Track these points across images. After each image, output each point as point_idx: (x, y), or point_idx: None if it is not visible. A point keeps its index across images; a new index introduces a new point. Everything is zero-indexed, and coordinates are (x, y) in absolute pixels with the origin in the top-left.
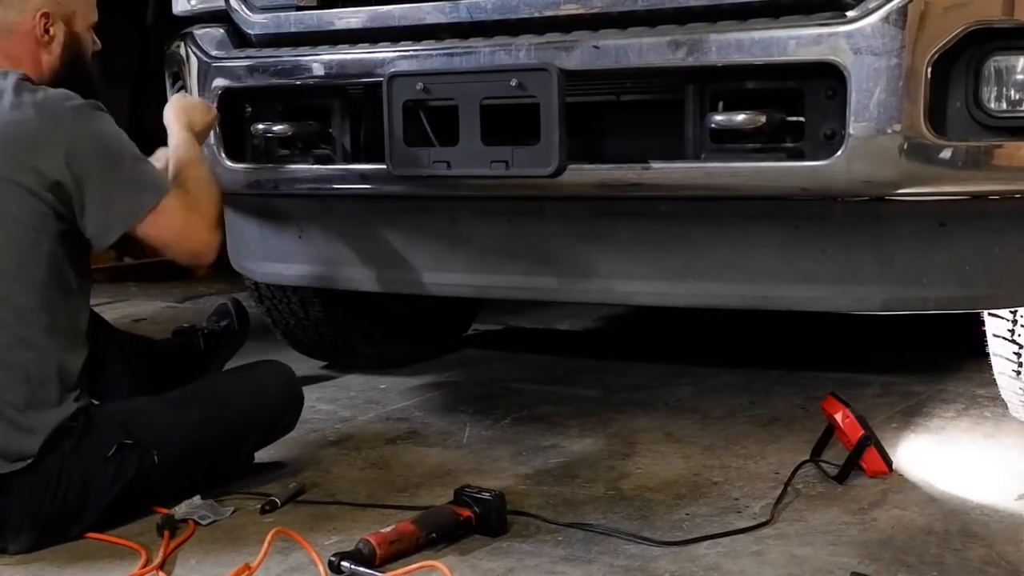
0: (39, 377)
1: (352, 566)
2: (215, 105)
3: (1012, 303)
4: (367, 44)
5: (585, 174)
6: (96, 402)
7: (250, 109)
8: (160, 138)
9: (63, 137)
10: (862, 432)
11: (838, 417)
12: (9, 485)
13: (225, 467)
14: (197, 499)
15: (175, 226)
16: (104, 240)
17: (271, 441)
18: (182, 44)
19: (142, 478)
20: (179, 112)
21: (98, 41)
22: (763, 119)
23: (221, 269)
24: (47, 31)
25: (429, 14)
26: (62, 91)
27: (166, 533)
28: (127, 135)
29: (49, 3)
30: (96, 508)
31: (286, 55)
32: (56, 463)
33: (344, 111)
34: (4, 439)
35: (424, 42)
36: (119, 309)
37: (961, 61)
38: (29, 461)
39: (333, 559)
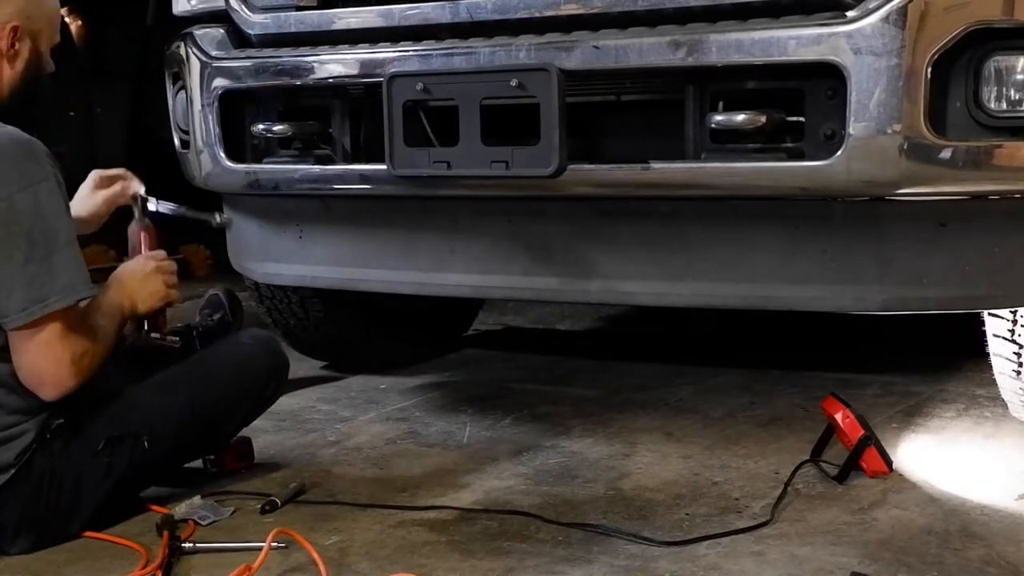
0: (9, 395)
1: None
2: (216, 106)
3: (1012, 303)
4: (367, 44)
5: (585, 174)
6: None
7: (250, 109)
8: (159, 139)
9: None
10: (862, 432)
11: (838, 417)
12: (1, 495)
13: (215, 444)
14: (197, 499)
15: (41, 346)
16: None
17: (260, 412)
18: (182, 44)
19: (135, 467)
20: (132, 287)
21: (52, 64)
22: (763, 119)
23: (221, 269)
24: (13, 45)
25: (429, 14)
26: (21, 137)
27: (166, 533)
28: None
29: (19, 17)
30: (92, 503)
31: (286, 55)
32: (47, 465)
33: (344, 111)
34: None
35: (424, 42)
36: None
37: (961, 61)
38: (13, 471)
39: None
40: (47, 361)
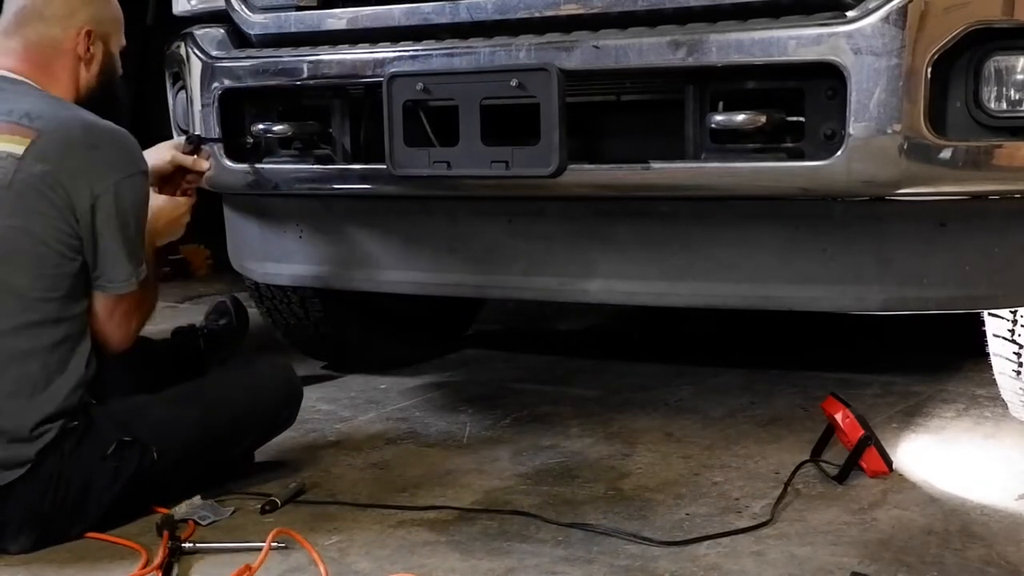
0: (43, 389)
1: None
2: (216, 106)
3: (1012, 303)
4: (367, 44)
5: (585, 174)
6: (95, 402)
7: (250, 109)
8: (160, 139)
9: (112, 183)
10: (862, 432)
11: (838, 417)
12: (9, 490)
13: (224, 464)
14: (197, 499)
15: (119, 315)
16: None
17: (271, 437)
18: (182, 44)
19: (143, 475)
20: (161, 230)
21: (121, 67)
22: (763, 119)
23: (221, 269)
24: (88, 49)
25: (429, 14)
26: (120, 130)
27: (166, 533)
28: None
29: (92, 21)
30: (97, 507)
31: (286, 55)
32: (56, 464)
33: (344, 111)
34: (3, 452)
35: (424, 42)
36: None
37: (961, 61)
38: (28, 466)
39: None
40: (122, 329)
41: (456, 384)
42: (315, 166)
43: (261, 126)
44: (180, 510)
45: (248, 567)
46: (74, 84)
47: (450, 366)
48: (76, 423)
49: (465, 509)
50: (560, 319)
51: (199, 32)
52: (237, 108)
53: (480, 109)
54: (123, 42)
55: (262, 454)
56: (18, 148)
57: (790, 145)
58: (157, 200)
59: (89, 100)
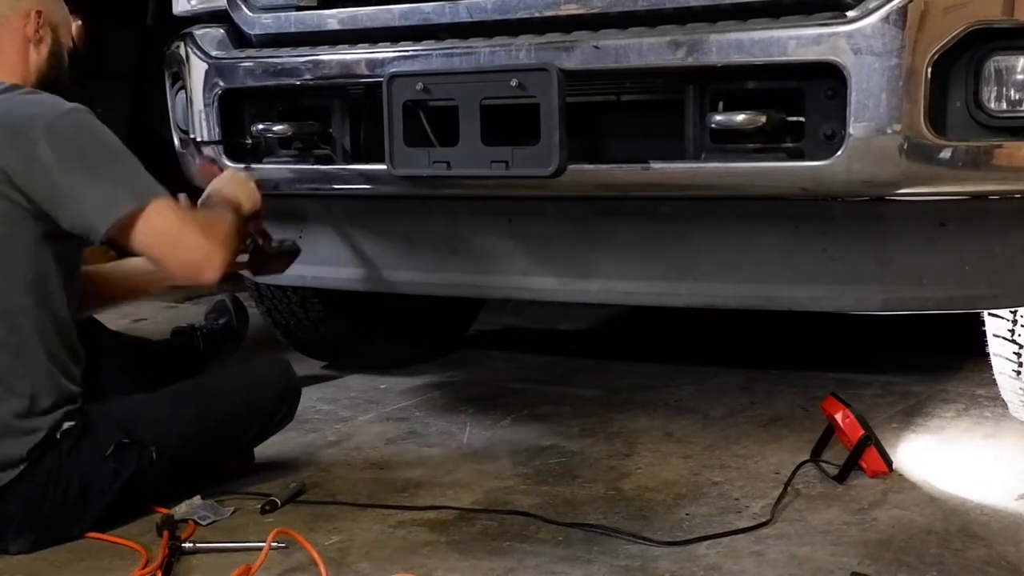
0: (32, 384)
1: None
2: (216, 106)
3: (1012, 303)
4: (367, 44)
5: (585, 174)
6: (93, 402)
7: (250, 109)
8: (159, 139)
9: (41, 129)
10: (862, 432)
11: (838, 417)
12: (7, 490)
13: (222, 462)
14: (197, 499)
15: (168, 231)
16: (92, 238)
17: (269, 435)
18: (182, 44)
19: (141, 475)
20: (232, 187)
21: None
22: (763, 119)
23: None
24: (38, 31)
25: (429, 14)
26: (39, 91)
27: (166, 533)
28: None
29: (40, 4)
30: (96, 507)
31: (286, 55)
32: (55, 464)
33: (344, 111)
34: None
35: (424, 42)
36: (119, 309)
37: (961, 61)
38: (22, 467)
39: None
40: (176, 245)
41: (456, 384)
42: (315, 166)
43: (261, 126)
44: (180, 510)
45: (248, 567)
46: (23, 63)
47: (450, 366)
48: (74, 423)
49: (465, 509)
50: (560, 319)
51: (199, 32)
52: (237, 108)
53: (480, 109)
54: (70, 43)
55: (262, 454)
56: None
57: (790, 145)
58: (220, 177)
59: (39, 83)
